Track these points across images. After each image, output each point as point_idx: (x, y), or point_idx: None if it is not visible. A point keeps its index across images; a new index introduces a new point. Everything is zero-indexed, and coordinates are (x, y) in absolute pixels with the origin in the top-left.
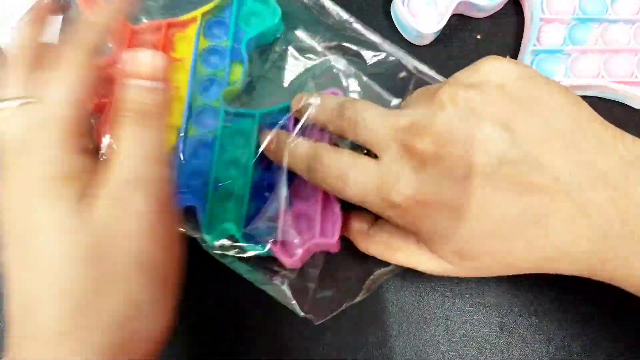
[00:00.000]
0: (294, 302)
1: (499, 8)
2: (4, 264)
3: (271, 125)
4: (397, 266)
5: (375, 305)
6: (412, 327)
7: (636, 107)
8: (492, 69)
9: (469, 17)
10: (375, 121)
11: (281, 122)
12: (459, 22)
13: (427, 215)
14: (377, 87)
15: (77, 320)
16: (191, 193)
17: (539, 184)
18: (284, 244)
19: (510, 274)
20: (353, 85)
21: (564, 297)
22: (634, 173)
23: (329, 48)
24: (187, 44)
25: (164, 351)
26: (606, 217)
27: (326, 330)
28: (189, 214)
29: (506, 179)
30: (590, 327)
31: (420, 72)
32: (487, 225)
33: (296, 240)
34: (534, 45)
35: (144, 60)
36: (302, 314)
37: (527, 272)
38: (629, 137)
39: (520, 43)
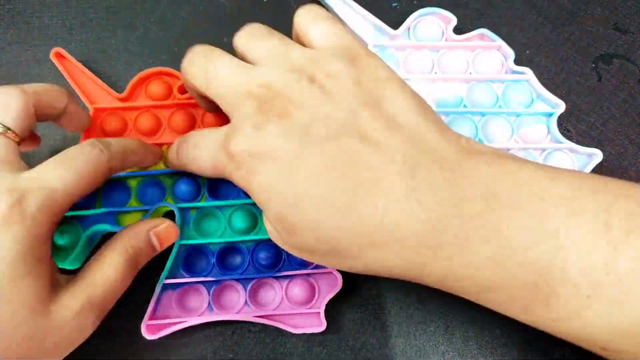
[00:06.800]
0: None
1: None
2: None
3: None
4: None
5: (376, 305)
6: (412, 327)
7: None
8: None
9: None
10: (232, 75)
11: None
12: None
13: (259, 169)
14: None
15: None
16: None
17: (375, 161)
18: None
19: (338, 267)
20: None
21: None
22: (473, 159)
23: None
24: None
25: None
26: (440, 197)
27: (326, 331)
28: None
29: (347, 152)
30: None
31: None
32: (316, 189)
33: None
34: None
35: (172, 232)
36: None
37: (354, 266)
38: (469, 137)
39: None
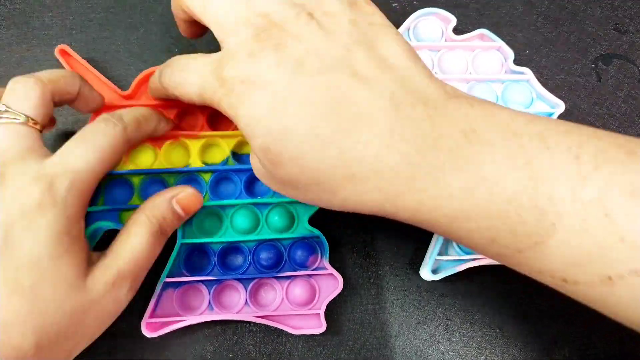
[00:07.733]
0: None
1: None
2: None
3: None
4: None
5: (376, 305)
6: (412, 327)
7: None
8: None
9: None
10: (231, 1)
11: None
12: None
13: (248, 97)
14: None
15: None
16: None
17: (363, 96)
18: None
19: (318, 203)
20: None
21: (562, 297)
22: (457, 101)
23: None
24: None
25: None
26: (420, 132)
27: (327, 330)
28: None
29: (337, 86)
30: (589, 326)
31: None
32: (302, 122)
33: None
34: None
35: (194, 199)
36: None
37: (332, 201)
38: (453, 85)
39: None
